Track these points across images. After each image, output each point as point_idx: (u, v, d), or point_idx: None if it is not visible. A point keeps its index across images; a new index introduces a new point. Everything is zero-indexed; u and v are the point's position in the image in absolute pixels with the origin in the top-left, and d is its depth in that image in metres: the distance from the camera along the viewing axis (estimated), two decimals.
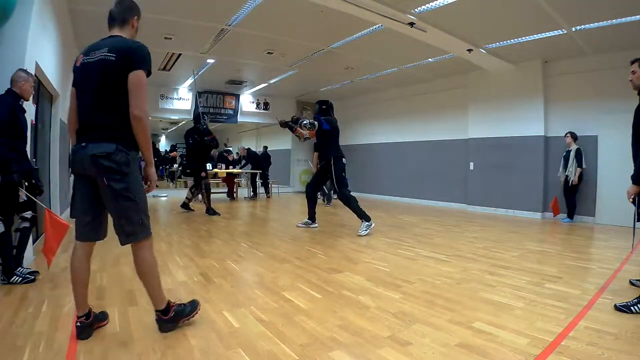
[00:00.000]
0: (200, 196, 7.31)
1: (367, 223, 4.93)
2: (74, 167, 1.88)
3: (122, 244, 1.87)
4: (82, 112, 1.85)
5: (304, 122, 5.13)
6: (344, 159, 5.15)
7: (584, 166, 6.16)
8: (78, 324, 1.84)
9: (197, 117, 6.94)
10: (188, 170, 7.02)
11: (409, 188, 9.72)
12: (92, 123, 1.81)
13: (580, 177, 6.15)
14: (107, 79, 1.77)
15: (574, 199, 6.30)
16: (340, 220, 6.36)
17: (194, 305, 2.08)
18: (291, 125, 5.34)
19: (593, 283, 2.94)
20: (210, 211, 6.69)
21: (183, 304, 2.05)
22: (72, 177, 1.98)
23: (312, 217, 5.45)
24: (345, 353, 1.78)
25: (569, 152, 6.30)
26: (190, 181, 7.52)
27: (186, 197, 7.07)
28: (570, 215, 6.34)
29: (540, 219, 6.82)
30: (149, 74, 1.83)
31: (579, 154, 6.15)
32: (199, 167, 6.74)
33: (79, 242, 1.88)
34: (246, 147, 11.26)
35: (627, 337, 1.97)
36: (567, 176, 6.23)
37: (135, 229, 1.85)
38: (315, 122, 5.07)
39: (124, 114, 1.78)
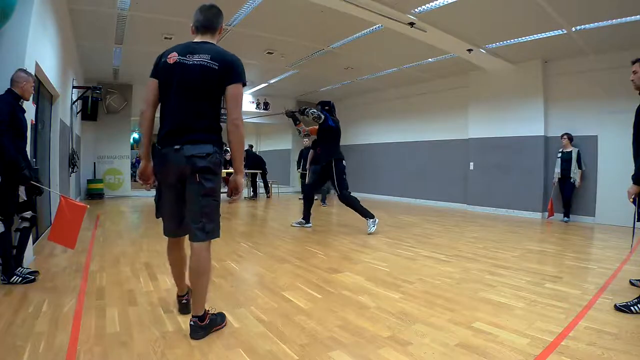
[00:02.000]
0: None
1: (372, 220, 4.97)
2: (163, 170, 1.92)
3: (198, 240, 1.89)
4: (173, 114, 1.88)
5: (311, 110, 5.10)
6: (344, 161, 5.16)
7: (583, 168, 6.19)
8: (184, 300, 2.19)
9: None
10: None
11: (409, 188, 9.71)
12: (188, 127, 1.86)
13: (581, 178, 6.20)
14: (209, 86, 1.86)
15: (570, 197, 6.34)
16: (340, 220, 6.36)
17: (222, 317, 2.09)
18: (296, 116, 5.33)
19: (593, 283, 2.94)
20: None
21: (214, 313, 2.06)
22: (155, 183, 2.07)
23: (306, 217, 5.46)
24: (345, 353, 1.78)
25: (566, 153, 6.32)
26: None
27: None
28: (567, 214, 6.37)
29: (540, 219, 6.82)
30: (244, 85, 1.94)
31: (579, 156, 6.19)
32: None
33: (172, 239, 2.09)
34: (244, 149, 11.22)
35: (627, 337, 1.97)
36: (571, 177, 6.23)
37: (214, 227, 1.94)
38: (322, 115, 5.04)
39: (216, 119, 1.94)
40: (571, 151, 6.28)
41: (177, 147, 1.84)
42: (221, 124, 1.98)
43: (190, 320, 1.91)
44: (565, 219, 6.36)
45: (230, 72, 1.87)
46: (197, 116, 1.87)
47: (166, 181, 1.95)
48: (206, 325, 1.94)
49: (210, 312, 2.00)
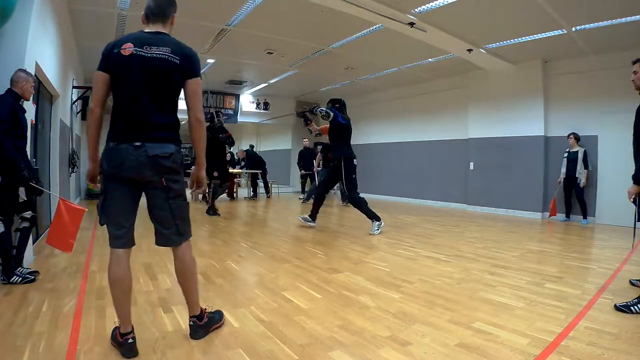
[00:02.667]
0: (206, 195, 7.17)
1: (377, 223, 4.97)
2: (119, 168, 1.70)
3: (177, 244, 1.85)
4: (131, 108, 1.73)
5: (320, 108, 5.04)
6: (355, 160, 5.04)
7: (589, 168, 6.16)
8: (130, 340, 1.71)
9: (210, 115, 6.87)
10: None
11: (409, 188, 9.71)
12: (149, 122, 1.73)
13: (587, 178, 6.17)
14: (170, 80, 1.76)
15: (582, 198, 6.28)
16: (340, 220, 6.36)
17: (220, 315, 2.08)
18: (307, 115, 5.27)
19: (593, 283, 2.94)
20: (210, 211, 6.62)
21: (212, 311, 2.06)
22: (101, 181, 1.82)
23: (313, 215, 5.40)
24: (345, 353, 1.78)
25: (573, 153, 6.27)
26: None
27: (207, 202, 6.91)
28: (585, 215, 6.24)
29: (540, 219, 6.82)
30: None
31: (585, 156, 6.16)
32: (212, 167, 6.41)
33: (120, 250, 1.76)
34: (244, 149, 11.26)
35: (627, 337, 1.97)
36: (576, 177, 6.19)
37: (187, 228, 1.89)
38: (331, 113, 4.93)
39: (175, 116, 1.84)
40: (577, 151, 6.25)
41: (137, 143, 1.70)
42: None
43: (190, 321, 1.91)
44: (584, 221, 6.23)
45: (191, 66, 1.80)
46: (158, 112, 1.75)
47: (117, 180, 1.73)
48: (205, 324, 1.93)
49: (207, 310, 2.00)
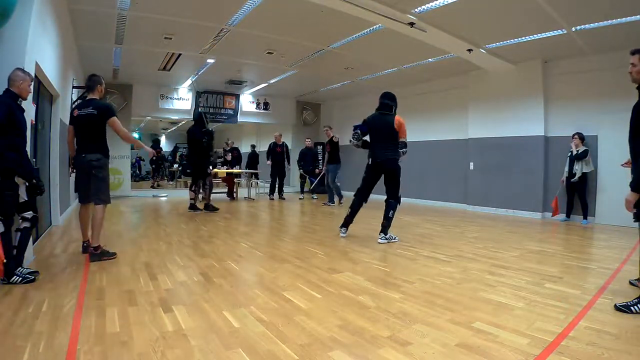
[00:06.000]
0: (201, 193, 7.42)
1: (390, 235, 4.47)
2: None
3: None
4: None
5: (353, 141, 4.73)
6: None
7: (592, 167, 6.15)
8: (85, 244, 3.60)
9: (200, 117, 7.09)
10: (188, 170, 7.32)
11: (409, 188, 9.62)
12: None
13: (585, 177, 6.16)
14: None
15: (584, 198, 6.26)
16: (340, 221, 6.34)
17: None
18: (360, 142, 4.80)
19: (593, 283, 2.94)
20: (210, 207, 7.03)
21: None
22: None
23: (348, 223, 4.78)
24: (345, 353, 1.78)
25: (582, 151, 6.18)
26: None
27: (190, 199, 7.11)
28: (585, 216, 6.23)
29: (540, 219, 6.82)
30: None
31: (586, 155, 6.14)
32: (204, 165, 7.02)
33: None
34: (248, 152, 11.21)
35: (627, 337, 1.97)
36: (574, 174, 6.20)
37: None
38: (357, 131, 4.67)
39: None
40: (581, 150, 6.21)
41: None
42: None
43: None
44: (584, 221, 6.23)
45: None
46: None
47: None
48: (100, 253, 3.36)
49: (103, 247, 3.46)
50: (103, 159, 3.51)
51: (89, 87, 3.58)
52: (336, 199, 8.50)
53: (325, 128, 8.83)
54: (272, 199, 9.59)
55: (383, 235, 4.43)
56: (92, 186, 3.44)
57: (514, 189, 7.29)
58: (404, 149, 4.57)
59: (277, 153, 9.66)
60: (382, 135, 4.63)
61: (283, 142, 9.90)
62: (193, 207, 6.99)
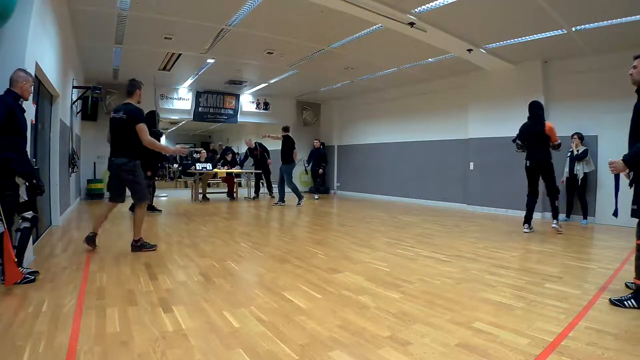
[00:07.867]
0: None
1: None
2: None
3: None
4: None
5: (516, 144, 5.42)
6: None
7: (592, 167, 6.15)
8: (91, 234, 3.75)
9: (151, 115, 6.46)
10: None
11: (409, 188, 9.71)
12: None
13: (586, 177, 6.16)
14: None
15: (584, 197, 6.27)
16: (340, 220, 6.36)
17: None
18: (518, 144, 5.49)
19: (593, 283, 2.94)
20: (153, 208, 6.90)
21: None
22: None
23: (528, 219, 5.39)
24: (345, 353, 1.78)
25: (582, 151, 6.19)
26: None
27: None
28: (585, 216, 6.23)
29: (540, 219, 6.81)
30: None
31: (585, 155, 6.14)
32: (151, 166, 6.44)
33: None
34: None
35: (627, 337, 1.97)
36: (576, 175, 6.20)
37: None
38: (517, 142, 5.39)
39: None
40: (580, 150, 6.21)
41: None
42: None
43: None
44: (566, 218, 6.31)
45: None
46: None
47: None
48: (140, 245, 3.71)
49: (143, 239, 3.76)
50: (129, 163, 3.64)
51: (128, 92, 3.77)
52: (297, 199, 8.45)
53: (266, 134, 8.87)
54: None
55: (556, 221, 5.23)
56: (129, 189, 3.74)
57: (514, 189, 7.27)
58: (559, 149, 5.30)
59: (256, 156, 9.91)
60: (536, 139, 5.31)
61: (256, 143, 10.02)
62: (133, 208, 6.78)
